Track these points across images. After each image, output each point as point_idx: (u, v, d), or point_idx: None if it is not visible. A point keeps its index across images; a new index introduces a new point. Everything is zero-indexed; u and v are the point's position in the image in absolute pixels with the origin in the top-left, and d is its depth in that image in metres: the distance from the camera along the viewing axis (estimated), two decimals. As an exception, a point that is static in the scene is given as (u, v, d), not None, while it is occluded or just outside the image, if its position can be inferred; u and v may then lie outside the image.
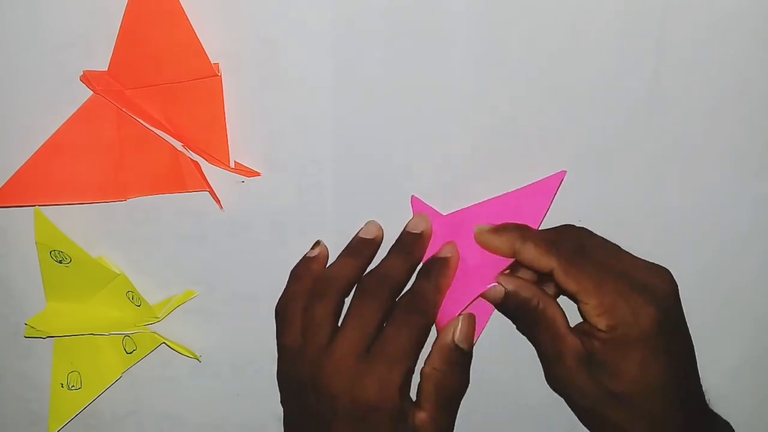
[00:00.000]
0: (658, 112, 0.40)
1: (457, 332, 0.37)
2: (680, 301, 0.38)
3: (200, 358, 0.46)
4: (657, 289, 0.37)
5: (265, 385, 0.46)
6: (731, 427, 0.39)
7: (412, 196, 0.42)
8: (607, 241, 0.39)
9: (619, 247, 0.38)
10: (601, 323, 0.36)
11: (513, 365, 0.45)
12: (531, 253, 0.37)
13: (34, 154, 0.40)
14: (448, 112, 0.40)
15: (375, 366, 0.36)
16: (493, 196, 0.41)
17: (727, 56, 0.39)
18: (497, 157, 0.41)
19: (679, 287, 0.37)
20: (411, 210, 0.42)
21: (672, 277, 0.37)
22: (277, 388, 0.41)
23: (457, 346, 0.37)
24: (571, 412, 0.39)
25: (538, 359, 0.39)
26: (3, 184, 0.41)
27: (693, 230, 0.41)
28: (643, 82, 0.39)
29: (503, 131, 0.40)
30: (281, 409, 0.41)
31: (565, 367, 0.37)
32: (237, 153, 0.41)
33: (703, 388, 0.38)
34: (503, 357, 0.45)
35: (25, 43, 0.39)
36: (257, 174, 0.42)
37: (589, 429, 0.39)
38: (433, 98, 0.40)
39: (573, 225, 0.39)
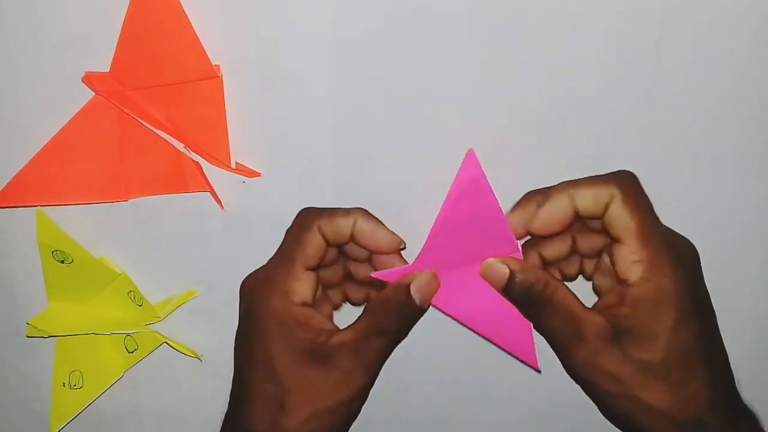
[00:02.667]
0: (658, 113, 0.40)
1: (414, 282, 0.37)
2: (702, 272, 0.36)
3: (201, 358, 0.46)
4: (687, 253, 0.36)
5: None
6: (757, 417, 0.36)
7: (470, 150, 0.37)
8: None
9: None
10: (635, 273, 0.34)
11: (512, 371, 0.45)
12: (587, 188, 0.36)
13: (37, 154, 0.41)
14: (448, 111, 0.40)
15: None
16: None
17: (727, 56, 0.38)
18: (497, 156, 0.41)
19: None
20: (462, 166, 0.38)
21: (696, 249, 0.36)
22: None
23: (409, 297, 0.37)
24: (570, 416, 0.39)
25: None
26: (4, 183, 0.41)
27: (693, 230, 0.41)
28: (643, 82, 0.39)
29: (503, 131, 0.40)
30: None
31: (588, 349, 0.34)
32: (237, 153, 0.41)
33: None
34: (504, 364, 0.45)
35: (25, 43, 0.39)
36: (258, 174, 0.42)
37: (617, 421, 0.36)
38: (432, 98, 0.40)
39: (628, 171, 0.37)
